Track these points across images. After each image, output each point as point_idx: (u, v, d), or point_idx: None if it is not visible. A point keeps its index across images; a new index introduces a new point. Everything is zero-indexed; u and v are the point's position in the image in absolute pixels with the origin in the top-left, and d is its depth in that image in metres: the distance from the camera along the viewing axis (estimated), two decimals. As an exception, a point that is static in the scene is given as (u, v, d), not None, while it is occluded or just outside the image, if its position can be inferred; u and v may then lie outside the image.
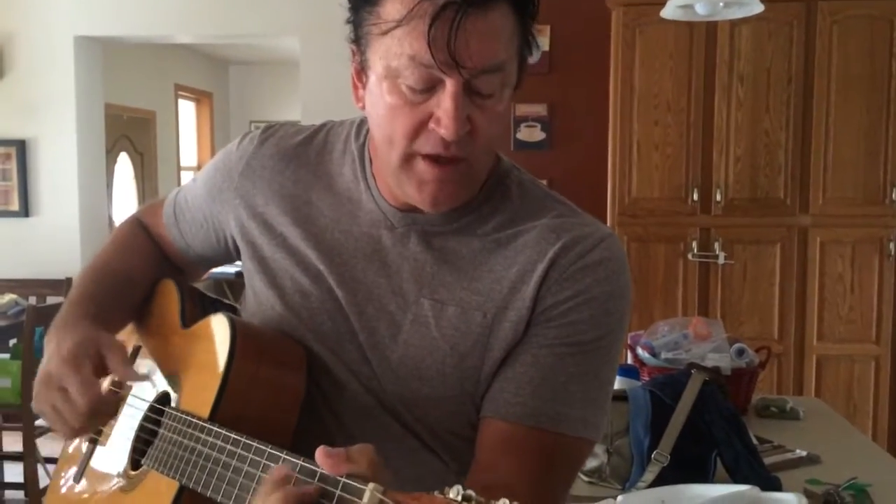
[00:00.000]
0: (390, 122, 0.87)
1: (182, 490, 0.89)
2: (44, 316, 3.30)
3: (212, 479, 0.85)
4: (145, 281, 1.16)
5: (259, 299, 1.03)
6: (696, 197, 3.72)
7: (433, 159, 0.87)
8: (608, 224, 3.50)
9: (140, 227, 1.22)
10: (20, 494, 3.49)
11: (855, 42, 3.62)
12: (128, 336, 1.17)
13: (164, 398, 1.02)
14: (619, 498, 1.51)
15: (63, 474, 1.15)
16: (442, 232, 0.96)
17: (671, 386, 1.80)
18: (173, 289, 1.13)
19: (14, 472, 3.65)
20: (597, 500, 1.63)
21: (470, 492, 0.61)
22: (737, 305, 3.76)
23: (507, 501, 0.59)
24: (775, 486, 1.67)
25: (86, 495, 1.08)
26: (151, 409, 1.03)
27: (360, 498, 0.67)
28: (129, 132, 6.40)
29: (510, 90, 0.90)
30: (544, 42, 4.16)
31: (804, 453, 1.91)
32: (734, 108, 3.69)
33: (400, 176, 0.90)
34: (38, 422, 3.34)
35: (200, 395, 0.93)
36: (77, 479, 1.10)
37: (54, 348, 0.99)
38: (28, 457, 3.38)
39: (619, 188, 3.76)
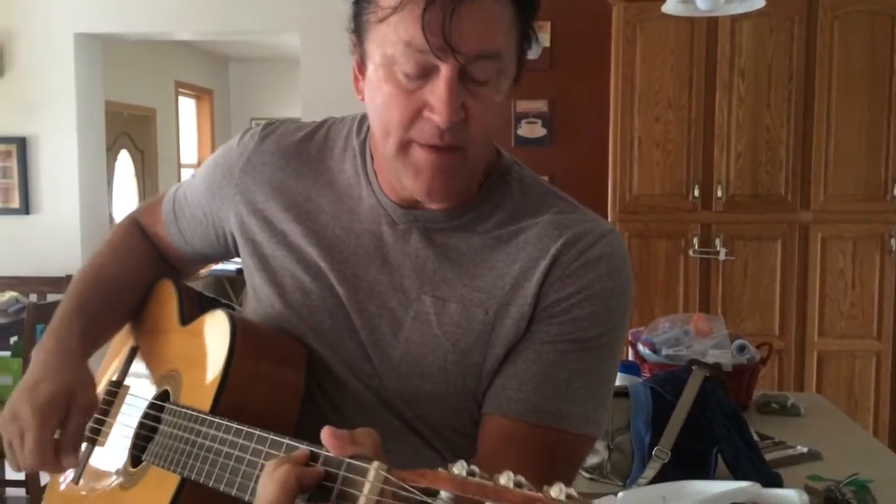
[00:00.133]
0: (386, 110, 0.87)
1: (183, 483, 0.89)
2: (44, 313, 3.30)
3: (214, 468, 0.85)
4: (141, 283, 1.16)
5: (259, 297, 1.02)
6: (697, 193, 3.71)
7: (429, 148, 0.87)
8: (609, 220, 3.49)
9: (136, 227, 1.22)
10: (21, 492, 3.49)
11: (856, 38, 3.62)
12: (125, 336, 1.17)
13: (163, 396, 1.02)
14: (620, 494, 1.51)
15: (62, 473, 1.15)
16: (443, 228, 0.96)
17: (672, 382, 1.79)
18: (171, 288, 1.13)
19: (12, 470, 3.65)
20: (598, 496, 1.62)
21: (474, 467, 0.61)
22: (738, 302, 3.75)
23: (511, 475, 0.59)
24: (776, 482, 1.67)
25: (85, 493, 1.08)
26: (151, 406, 1.03)
27: (365, 476, 0.67)
28: (130, 129, 6.40)
29: (508, 82, 0.89)
30: (545, 38, 4.16)
31: (805, 449, 1.91)
32: (735, 104, 3.68)
33: (396, 165, 0.90)
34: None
35: (200, 392, 0.93)
36: (76, 477, 1.09)
37: (31, 385, 0.99)
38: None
39: (620, 184, 3.75)
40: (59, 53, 4.64)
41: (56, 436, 0.98)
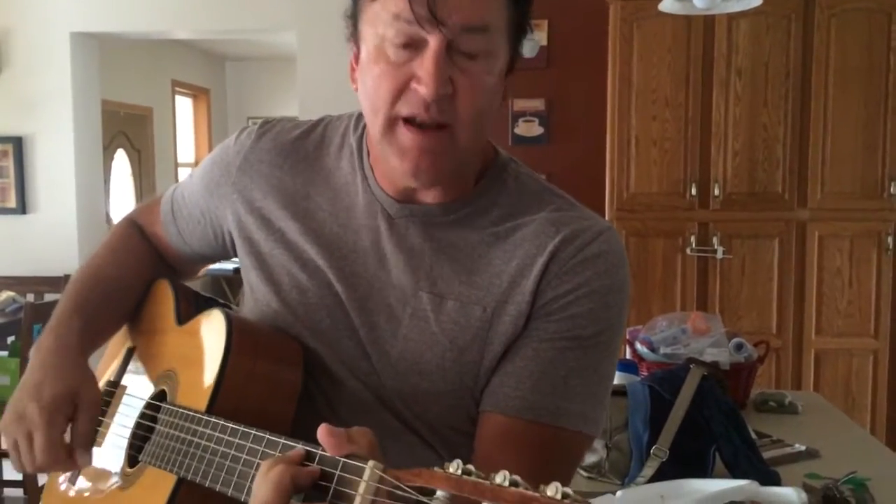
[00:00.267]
0: (376, 87, 0.88)
1: (180, 483, 0.89)
2: (42, 313, 3.30)
3: (210, 468, 0.85)
4: (139, 283, 1.16)
5: (256, 296, 1.02)
6: (694, 192, 3.71)
7: (415, 127, 0.87)
8: (606, 219, 3.49)
9: (134, 227, 1.22)
10: (19, 492, 3.49)
11: (853, 36, 3.62)
12: (123, 336, 1.17)
13: (160, 395, 1.02)
14: (619, 493, 1.51)
15: (60, 474, 1.14)
16: (440, 223, 0.96)
17: (670, 381, 1.79)
18: (168, 288, 1.12)
19: (13, 470, 3.65)
20: (596, 495, 1.62)
21: (470, 466, 0.61)
22: (735, 300, 3.76)
23: (507, 474, 0.59)
24: (774, 480, 1.67)
25: (83, 494, 1.08)
26: (148, 406, 1.02)
27: (361, 476, 0.66)
28: (127, 129, 6.39)
29: (499, 64, 0.90)
30: (542, 37, 4.15)
31: (803, 448, 1.91)
32: (732, 102, 3.68)
33: (384, 146, 0.90)
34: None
35: (197, 392, 0.92)
36: (73, 478, 1.09)
37: (34, 385, 0.98)
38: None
39: (617, 183, 3.75)
40: (56, 52, 4.63)
41: (67, 435, 0.98)
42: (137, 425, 1.02)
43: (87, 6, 4.59)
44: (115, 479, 1.02)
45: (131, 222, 1.23)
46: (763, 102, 3.67)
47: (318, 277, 0.97)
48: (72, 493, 1.10)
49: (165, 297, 1.12)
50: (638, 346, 2.33)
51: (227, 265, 5.63)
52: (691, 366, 1.83)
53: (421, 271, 0.95)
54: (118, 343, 1.18)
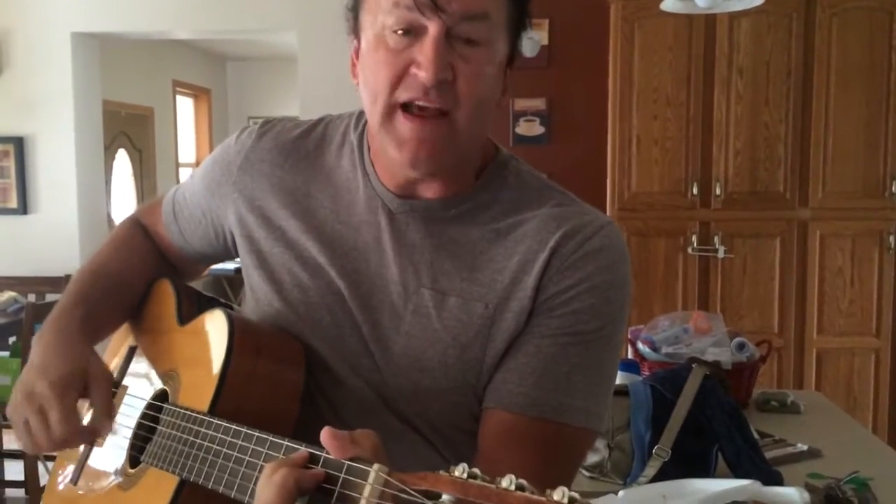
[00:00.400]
0: (375, 75, 0.88)
1: (182, 484, 0.89)
2: (43, 313, 3.28)
3: (213, 470, 0.84)
4: (141, 281, 1.16)
5: (257, 295, 1.02)
6: (695, 191, 3.71)
7: (414, 115, 0.87)
8: (608, 218, 3.49)
9: (138, 226, 1.22)
10: (21, 493, 3.49)
11: (854, 34, 3.61)
12: (124, 336, 1.17)
13: (162, 396, 1.01)
14: (621, 493, 1.51)
15: (60, 474, 1.14)
16: (441, 218, 0.96)
17: (672, 380, 1.79)
18: (169, 288, 1.12)
19: (15, 470, 3.65)
20: (598, 495, 1.62)
21: (475, 470, 0.61)
22: (737, 299, 3.75)
23: (513, 478, 0.59)
24: (777, 480, 1.67)
25: (84, 494, 1.08)
26: (149, 406, 1.02)
27: (365, 479, 0.66)
28: (128, 129, 6.39)
29: (499, 55, 0.90)
30: (543, 36, 4.15)
31: (805, 447, 1.91)
32: (733, 101, 3.68)
33: (383, 136, 0.90)
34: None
35: (199, 392, 0.92)
36: (75, 478, 1.09)
37: (40, 365, 0.97)
38: (28, 455, 3.37)
39: (618, 182, 3.75)
40: (57, 53, 4.63)
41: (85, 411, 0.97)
42: (139, 426, 1.02)
43: (87, 6, 4.59)
44: (116, 479, 1.02)
45: (135, 222, 1.23)
46: (764, 101, 3.67)
47: (320, 275, 0.97)
48: (73, 493, 1.10)
49: (167, 297, 1.11)
50: (640, 345, 2.32)
51: (229, 265, 5.62)
52: (693, 365, 1.83)
53: (422, 266, 0.95)
54: (119, 341, 1.18)
